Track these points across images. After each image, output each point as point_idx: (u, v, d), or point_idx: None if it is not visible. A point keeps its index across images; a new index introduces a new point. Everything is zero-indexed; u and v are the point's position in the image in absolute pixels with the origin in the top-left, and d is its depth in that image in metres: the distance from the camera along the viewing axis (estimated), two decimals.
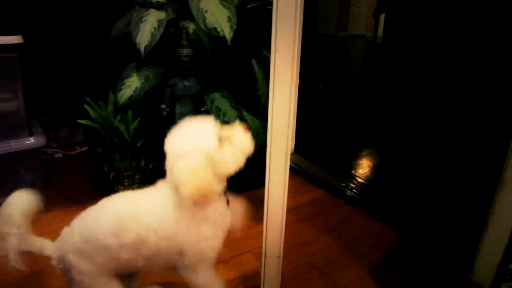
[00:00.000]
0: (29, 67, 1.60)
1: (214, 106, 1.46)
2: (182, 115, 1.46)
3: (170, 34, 1.51)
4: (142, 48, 1.38)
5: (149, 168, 1.63)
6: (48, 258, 0.87)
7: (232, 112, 1.47)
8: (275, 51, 0.86)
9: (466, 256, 1.27)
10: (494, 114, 1.57)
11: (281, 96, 0.89)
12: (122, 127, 1.46)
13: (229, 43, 1.32)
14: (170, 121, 1.53)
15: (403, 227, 1.52)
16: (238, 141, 0.84)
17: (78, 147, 2.16)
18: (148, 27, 1.41)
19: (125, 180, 1.54)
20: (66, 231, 0.87)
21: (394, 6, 2.54)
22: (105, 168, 1.55)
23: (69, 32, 1.95)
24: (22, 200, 0.85)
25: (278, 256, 1.03)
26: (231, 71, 1.58)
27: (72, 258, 0.82)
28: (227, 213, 0.90)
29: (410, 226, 1.52)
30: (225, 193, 0.89)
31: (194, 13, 1.38)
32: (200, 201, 0.81)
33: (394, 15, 2.55)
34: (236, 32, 1.48)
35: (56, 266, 0.86)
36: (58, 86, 2.04)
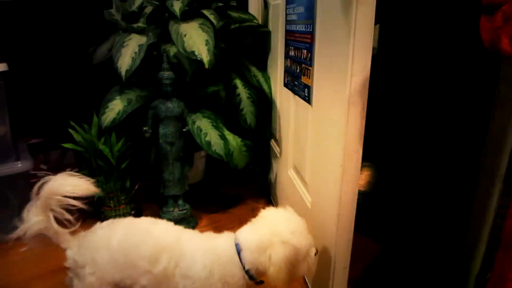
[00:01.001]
0: (17, 92, 1.64)
1: (196, 126, 1.49)
2: (165, 136, 1.49)
3: (153, 57, 1.55)
4: (123, 72, 1.42)
5: (135, 189, 1.65)
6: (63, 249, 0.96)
7: (213, 132, 1.50)
8: (351, 75, 0.88)
9: (451, 268, 1.28)
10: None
11: (355, 119, 0.93)
12: (106, 150, 1.49)
13: (207, 66, 1.35)
14: (154, 142, 1.56)
15: (386, 240, 1.53)
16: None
17: (69, 169, 2.17)
18: (129, 52, 1.45)
19: (111, 202, 1.56)
20: (97, 237, 0.97)
21: (386, 17, 2.56)
22: None
23: (54, 57, 1.99)
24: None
25: (345, 267, 1.08)
26: (213, 92, 1.61)
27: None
28: None
29: (393, 238, 1.54)
30: None
31: (174, 37, 1.42)
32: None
33: (387, 25, 2.57)
34: (220, 53, 1.51)
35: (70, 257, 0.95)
36: (47, 110, 2.08)
